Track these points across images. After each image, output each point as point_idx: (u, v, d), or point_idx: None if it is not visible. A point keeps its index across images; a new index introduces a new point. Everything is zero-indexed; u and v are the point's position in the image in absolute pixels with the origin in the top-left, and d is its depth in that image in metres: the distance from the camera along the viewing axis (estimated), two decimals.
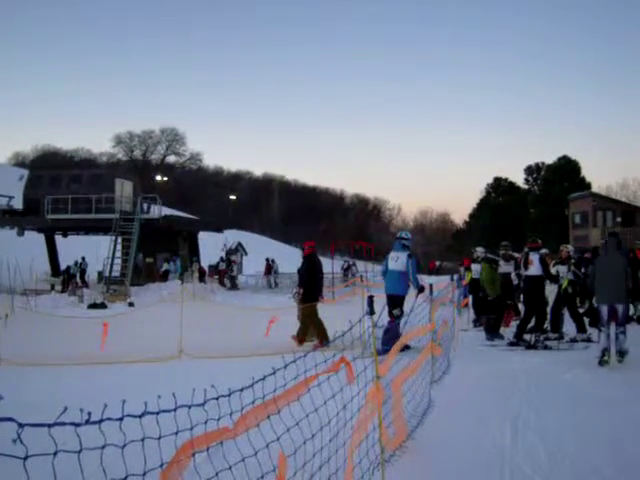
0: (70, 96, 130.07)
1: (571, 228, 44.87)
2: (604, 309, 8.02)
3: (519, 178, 68.01)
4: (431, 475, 4.01)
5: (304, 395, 2.90)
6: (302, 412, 2.86)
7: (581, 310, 11.34)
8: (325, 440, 3.09)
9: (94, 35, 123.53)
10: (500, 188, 68.05)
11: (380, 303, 4.94)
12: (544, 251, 10.82)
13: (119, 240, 25.86)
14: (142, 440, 1.81)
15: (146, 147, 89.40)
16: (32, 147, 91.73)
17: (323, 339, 9.57)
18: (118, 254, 25.64)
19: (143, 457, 1.81)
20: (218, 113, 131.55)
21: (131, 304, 20.29)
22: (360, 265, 34.29)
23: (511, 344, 9.78)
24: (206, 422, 2.16)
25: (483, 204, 68.15)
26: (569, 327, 10.73)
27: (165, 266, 27.93)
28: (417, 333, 6.40)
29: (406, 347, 7.03)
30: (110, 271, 25.03)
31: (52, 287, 26.14)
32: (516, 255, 11.96)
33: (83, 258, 27.43)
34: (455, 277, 12.56)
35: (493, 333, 10.60)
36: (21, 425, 1.41)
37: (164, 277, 26.97)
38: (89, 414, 1.60)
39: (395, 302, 9.06)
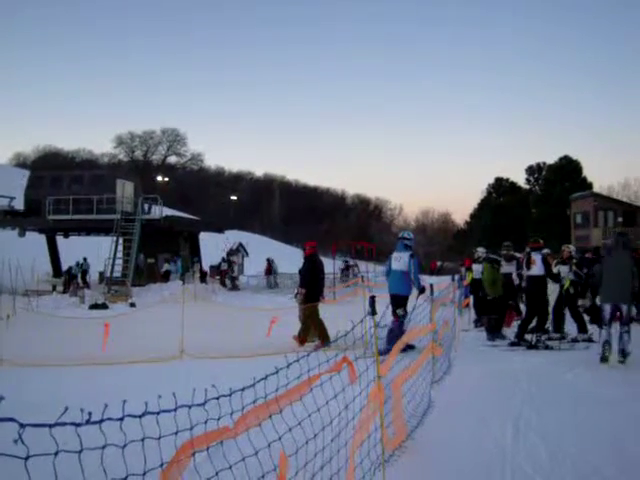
0: (71, 97, 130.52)
1: (572, 228, 44.88)
2: (607, 308, 8.04)
3: (520, 178, 68.00)
4: (432, 475, 4.01)
5: (306, 395, 2.90)
6: (304, 412, 2.86)
7: (580, 303, 11.33)
8: (327, 440, 3.08)
9: (94, 35, 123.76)
10: (501, 188, 68.01)
11: (382, 303, 4.94)
12: (546, 251, 10.82)
13: (120, 241, 25.87)
14: (142, 440, 1.82)
15: (147, 148, 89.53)
16: (33, 148, 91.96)
17: (324, 339, 9.57)
18: (119, 255, 25.66)
19: (143, 457, 1.81)
20: (219, 113, 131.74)
21: (132, 305, 20.30)
22: (361, 265, 34.31)
23: (512, 344, 9.77)
24: (206, 422, 2.16)
25: (484, 204, 68.12)
26: (570, 327, 10.72)
27: (166, 266, 27.94)
28: (418, 333, 6.40)
29: (410, 347, 7.03)
30: (111, 272, 25.04)
31: (53, 288, 26.16)
32: (518, 255, 11.95)
33: (85, 259, 27.45)
34: (456, 277, 12.56)
35: (495, 333, 10.59)
36: (22, 425, 1.41)
37: (165, 278, 26.99)
38: (90, 414, 1.60)
39: (399, 302, 9.05)
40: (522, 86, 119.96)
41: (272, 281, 31.73)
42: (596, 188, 54.45)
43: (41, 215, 26.83)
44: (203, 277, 28.62)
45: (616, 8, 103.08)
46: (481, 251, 13.00)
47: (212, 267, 31.76)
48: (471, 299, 13.28)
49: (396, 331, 8.00)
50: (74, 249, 30.22)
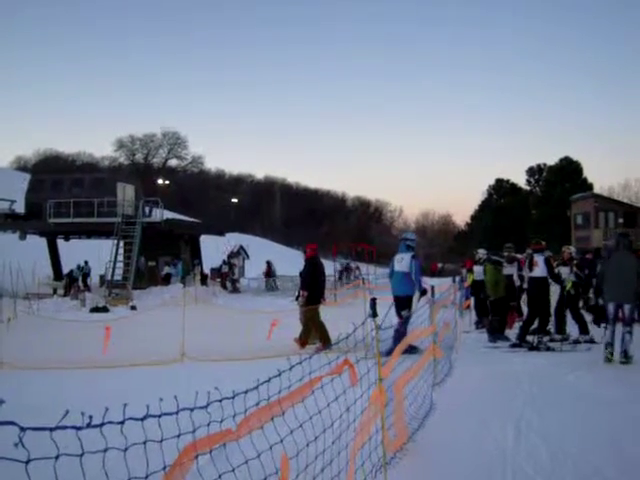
0: (71, 99, 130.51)
1: (573, 229, 44.87)
2: (611, 307, 8.06)
3: (521, 179, 68.04)
4: (433, 477, 4.01)
5: (308, 397, 2.89)
6: (306, 414, 2.85)
7: (582, 302, 11.34)
8: (328, 442, 3.08)
9: (94, 36, 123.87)
10: (502, 189, 68.03)
11: (383, 306, 4.93)
12: (548, 253, 10.82)
13: (121, 244, 25.89)
14: (144, 443, 1.81)
15: (148, 151, 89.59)
16: (34, 151, 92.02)
17: (325, 342, 9.56)
18: (120, 258, 25.67)
19: (145, 460, 1.80)
20: (219, 114, 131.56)
21: (133, 308, 20.30)
22: (362, 268, 34.28)
23: (514, 346, 9.76)
24: (209, 424, 2.16)
25: (485, 205, 68.16)
26: (572, 329, 10.71)
27: (166, 269, 27.94)
28: (419, 335, 6.39)
29: (413, 349, 7.01)
30: (112, 275, 25.06)
31: (54, 291, 26.17)
32: (519, 256, 11.95)
33: (86, 262, 27.47)
34: (457, 279, 12.55)
35: (496, 335, 10.58)
36: (23, 429, 1.41)
37: (166, 281, 26.99)
38: (91, 417, 1.59)
39: (403, 303, 9.04)
40: (522, 87, 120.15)
41: (272, 284, 31.67)
42: (597, 189, 54.57)
43: (42, 218, 26.87)
44: (204, 280, 28.63)
45: (616, 8, 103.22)
46: (482, 252, 12.99)
47: (213, 270, 31.77)
48: (472, 301, 13.27)
49: (401, 330, 7.97)
50: (75, 252, 30.22)
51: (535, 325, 9.98)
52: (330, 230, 76.46)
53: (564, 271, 10.91)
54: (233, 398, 2.21)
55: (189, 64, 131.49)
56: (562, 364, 8.08)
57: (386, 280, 11.55)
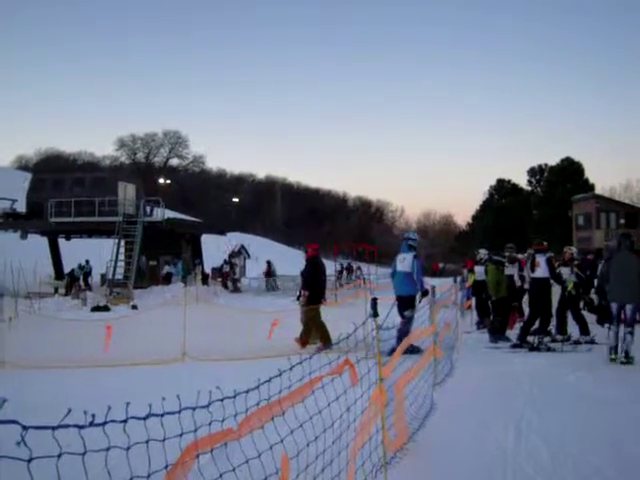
0: (72, 98, 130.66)
1: (574, 230, 44.83)
2: (614, 307, 8.08)
3: (522, 180, 68.04)
4: (434, 477, 4.01)
5: (308, 397, 2.89)
6: (306, 414, 2.86)
7: (583, 303, 11.33)
8: (328, 442, 3.08)
9: (94, 36, 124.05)
10: (503, 190, 68.02)
11: (384, 306, 4.93)
12: (549, 254, 10.81)
13: (122, 243, 25.90)
14: (147, 442, 1.82)
15: (149, 150, 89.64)
16: (35, 150, 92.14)
17: (326, 342, 9.56)
18: (121, 257, 25.68)
19: (148, 459, 1.80)
20: (220, 114, 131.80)
21: (134, 307, 20.31)
22: (363, 268, 34.28)
23: (514, 346, 9.76)
24: (210, 424, 2.16)
25: (486, 206, 68.13)
26: (572, 329, 10.70)
27: (166, 268, 27.93)
28: (420, 335, 6.40)
29: (417, 349, 7.01)
30: (113, 274, 25.07)
31: (56, 290, 26.19)
32: (520, 257, 11.94)
33: (87, 261, 27.48)
34: (458, 279, 12.54)
35: (498, 335, 10.57)
36: (25, 427, 1.41)
37: (167, 280, 27.00)
38: (93, 416, 1.60)
39: (406, 303, 9.03)
40: (523, 87, 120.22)
41: (272, 283, 31.62)
42: (598, 190, 54.55)
43: (43, 217, 26.89)
44: (205, 279, 28.64)
45: (617, 9, 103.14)
46: (483, 253, 12.98)
47: (214, 269, 31.78)
48: (473, 301, 13.26)
49: (404, 330, 7.97)
50: (76, 251, 30.24)
51: (536, 326, 9.97)
52: (331, 230, 76.46)
53: (565, 272, 10.90)
54: (234, 397, 2.22)
55: (190, 64, 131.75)
56: (563, 365, 8.08)
57: (387, 280, 11.56)
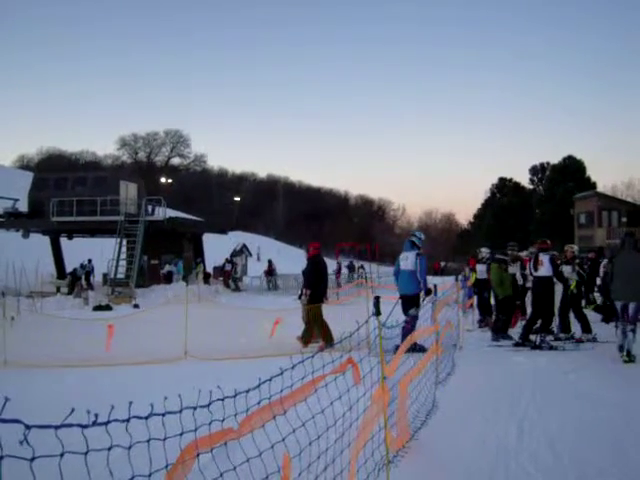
0: (74, 99, 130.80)
1: (576, 228, 44.80)
2: (619, 305, 8.08)
3: (524, 178, 68.04)
4: (436, 476, 4.01)
5: (311, 396, 2.89)
6: (308, 413, 2.85)
7: (584, 302, 11.32)
8: (330, 441, 3.08)
9: (95, 36, 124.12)
10: (505, 188, 67.95)
11: (387, 304, 4.92)
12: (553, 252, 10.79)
13: (124, 242, 25.91)
14: (148, 441, 1.82)
15: (150, 149, 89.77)
16: (37, 150, 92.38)
17: (328, 341, 9.56)
18: (123, 256, 25.69)
19: (149, 458, 1.81)
20: (221, 114, 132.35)
21: (136, 306, 20.33)
22: (365, 266, 34.27)
23: (517, 345, 9.75)
24: (210, 423, 2.16)
25: (488, 204, 68.09)
26: (575, 328, 10.69)
27: (166, 267, 27.91)
28: (422, 334, 6.39)
29: (422, 349, 6.99)
30: (115, 273, 25.09)
31: (58, 289, 26.22)
32: (522, 255, 11.93)
33: (89, 260, 27.51)
34: (460, 277, 12.53)
35: (500, 334, 10.56)
36: (28, 426, 1.41)
37: (167, 279, 27.00)
38: (95, 415, 1.60)
39: (410, 301, 9.01)
40: (525, 85, 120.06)
41: (272, 282, 31.56)
42: (600, 188, 54.43)
43: (45, 217, 26.90)
44: (207, 278, 28.64)
45: (619, 7, 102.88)
46: (485, 251, 12.97)
47: (216, 268, 31.78)
48: (475, 299, 13.25)
49: (408, 328, 7.96)
50: (78, 251, 30.29)
51: (538, 324, 9.96)
52: (332, 228, 76.44)
53: (566, 270, 10.88)
54: (235, 397, 2.22)
55: (191, 63, 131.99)
56: (565, 363, 8.07)
57: (389, 279, 11.54)
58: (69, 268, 28.37)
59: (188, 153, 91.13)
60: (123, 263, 25.50)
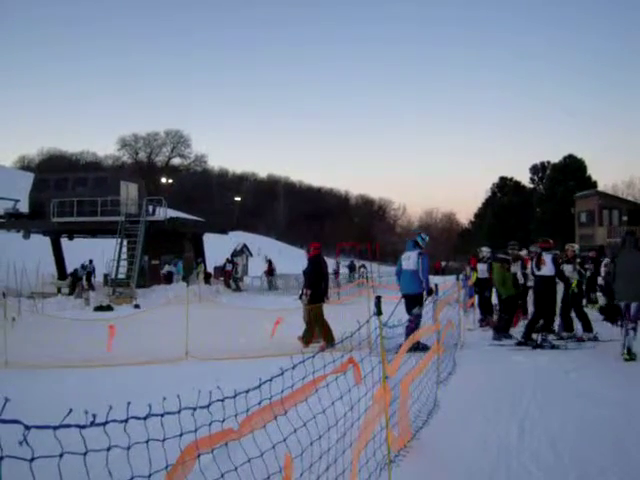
0: (74, 99, 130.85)
1: (577, 227, 44.78)
2: (622, 305, 8.07)
3: (525, 177, 68.02)
4: (437, 475, 4.00)
5: (312, 396, 2.88)
6: (309, 413, 2.84)
7: (585, 300, 11.31)
8: (332, 441, 3.07)
9: (95, 36, 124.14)
10: (506, 187, 67.93)
11: (388, 304, 4.91)
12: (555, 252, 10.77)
13: (125, 242, 25.91)
14: (147, 442, 1.81)
15: (151, 149, 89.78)
16: (38, 150, 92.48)
17: (329, 341, 9.55)
18: (124, 256, 25.69)
19: (148, 459, 1.80)
20: (222, 114, 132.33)
21: (137, 306, 20.33)
22: (367, 266, 34.26)
23: (519, 344, 9.74)
24: (210, 424, 2.15)
25: (489, 204, 68.07)
26: (576, 327, 10.67)
27: (166, 268, 27.92)
28: (424, 333, 6.38)
29: (425, 347, 6.98)
30: (116, 273, 25.09)
31: (58, 290, 26.22)
32: (522, 254, 11.91)
33: (90, 261, 27.51)
34: (461, 277, 12.52)
35: (502, 333, 10.55)
36: (27, 427, 1.41)
37: (167, 279, 27.00)
38: (94, 416, 1.59)
39: (414, 301, 8.99)
40: (526, 84, 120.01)
41: (273, 282, 31.52)
42: (600, 187, 54.39)
43: (46, 217, 26.91)
44: (207, 278, 28.63)
45: (619, 6, 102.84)
46: (486, 251, 12.95)
47: (216, 268, 31.78)
48: (476, 299, 13.23)
49: (411, 327, 7.95)
50: (79, 251, 30.29)
51: (540, 323, 9.94)
52: (333, 228, 76.44)
53: (567, 269, 10.87)
54: (235, 397, 2.21)
55: (191, 64, 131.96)
56: (566, 362, 8.06)
57: (390, 278, 11.54)
58: (70, 269, 28.37)
59: (189, 153, 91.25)
60: (124, 263, 25.50)
